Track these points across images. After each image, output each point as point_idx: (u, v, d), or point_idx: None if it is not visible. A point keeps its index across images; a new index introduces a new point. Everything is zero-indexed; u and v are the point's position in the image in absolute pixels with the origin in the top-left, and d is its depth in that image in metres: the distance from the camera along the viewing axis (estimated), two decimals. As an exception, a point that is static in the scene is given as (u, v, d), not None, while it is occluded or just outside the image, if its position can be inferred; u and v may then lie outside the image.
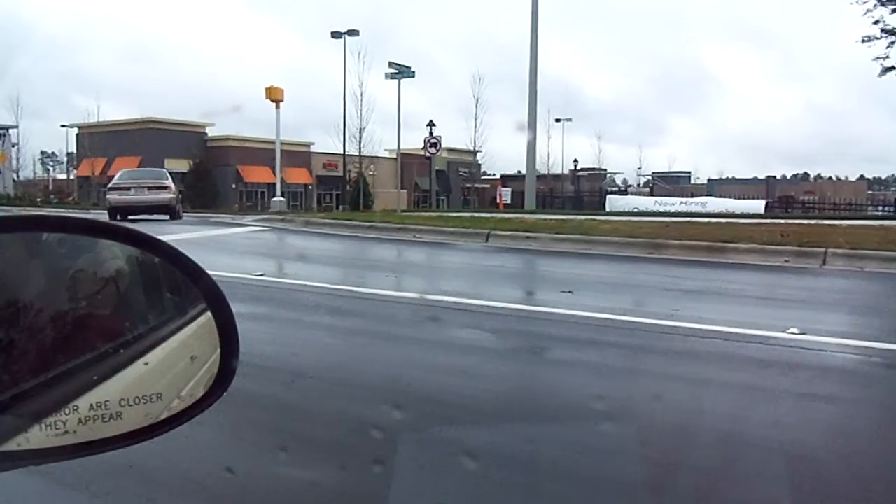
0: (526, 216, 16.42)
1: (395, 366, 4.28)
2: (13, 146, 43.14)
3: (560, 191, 47.27)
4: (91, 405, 0.76)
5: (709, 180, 63.33)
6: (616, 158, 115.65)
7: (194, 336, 0.85)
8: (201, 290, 0.84)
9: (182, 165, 41.10)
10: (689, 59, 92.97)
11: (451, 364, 4.45)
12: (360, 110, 39.71)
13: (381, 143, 43.72)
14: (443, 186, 46.29)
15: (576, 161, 53.69)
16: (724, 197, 39.25)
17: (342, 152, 38.71)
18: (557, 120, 48.32)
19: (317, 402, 3.56)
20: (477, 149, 46.14)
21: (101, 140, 40.11)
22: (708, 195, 44.36)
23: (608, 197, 39.60)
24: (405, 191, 45.97)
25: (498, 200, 39.86)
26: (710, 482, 2.61)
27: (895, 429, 3.41)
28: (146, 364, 0.82)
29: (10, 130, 42.70)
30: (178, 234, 11.95)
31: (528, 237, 11.29)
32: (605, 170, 58.08)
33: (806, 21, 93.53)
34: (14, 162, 44.13)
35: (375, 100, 46.87)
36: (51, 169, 61.50)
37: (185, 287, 0.85)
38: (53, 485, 2.58)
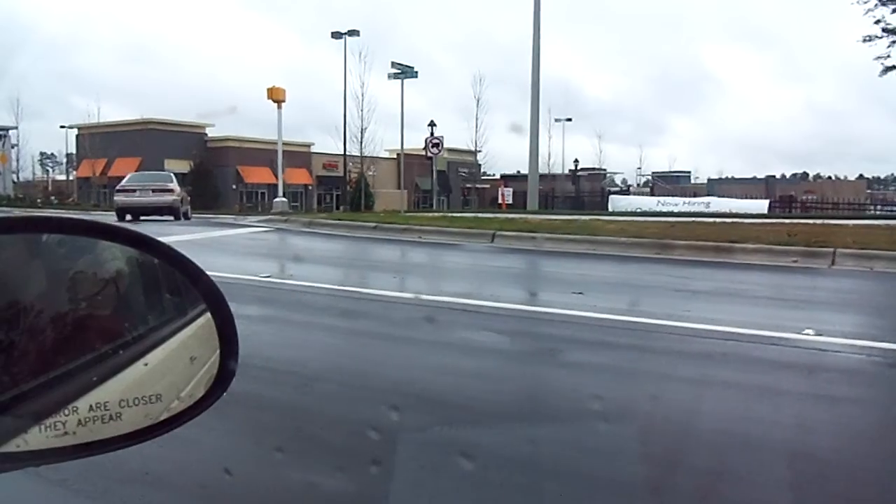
0: (529, 216, 16.38)
1: (409, 368, 4.23)
2: (13, 147, 43.10)
3: (560, 191, 47.21)
4: (91, 406, 0.76)
5: (708, 180, 63.37)
6: (616, 158, 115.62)
7: (194, 337, 0.85)
8: (201, 291, 0.84)
9: (182, 166, 41.05)
10: (688, 58, 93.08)
11: (465, 367, 4.40)
12: (362, 111, 39.67)
13: (381, 143, 43.70)
14: (443, 187, 46.22)
15: (576, 161, 53.69)
16: (725, 196, 39.24)
17: (342, 153, 38.67)
18: (557, 120, 48.30)
19: (333, 406, 3.50)
20: (478, 149, 46.15)
21: (101, 141, 40.08)
22: (708, 195, 44.35)
23: (611, 197, 39.58)
24: (405, 191, 45.98)
25: (500, 201, 39.81)
26: (737, 490, 2.56)
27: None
28: (146, 365, 0.82)
29: (10, 131, 42.66)
30: (181, 236, 11.91)
31: (533, 237, 11.23)
32: (605, 170, 58.06)
33: (805, 21, 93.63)
34: (14, 163, 44.12)
35: (375, 100, 46.82)
36: (50, 170, 61.42)
37: (184, 288, 0.85)
38: (69, 494, 2.53)
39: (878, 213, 35.55)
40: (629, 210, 27.54)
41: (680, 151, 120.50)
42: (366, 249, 12.02)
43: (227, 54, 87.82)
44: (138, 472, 2.64)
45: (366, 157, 41.00)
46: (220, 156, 42.92)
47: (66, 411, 0.74)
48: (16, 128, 44.20)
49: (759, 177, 62.54)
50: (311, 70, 76.95)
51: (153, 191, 18.59)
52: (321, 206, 45.03)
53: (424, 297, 6.53)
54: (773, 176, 64.38)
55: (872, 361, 4.38)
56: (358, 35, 35.65)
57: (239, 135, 44.74)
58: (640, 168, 61.69)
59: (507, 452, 2.84)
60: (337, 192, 46.47)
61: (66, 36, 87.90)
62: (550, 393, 3.80)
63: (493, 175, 53.38)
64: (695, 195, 42.60)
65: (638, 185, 58.42)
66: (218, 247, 11.80)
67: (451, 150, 44.82)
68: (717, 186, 55.55)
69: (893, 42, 23.73)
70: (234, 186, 43.54)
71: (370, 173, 40.86)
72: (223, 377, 0.84)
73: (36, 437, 0.72)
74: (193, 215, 21.08)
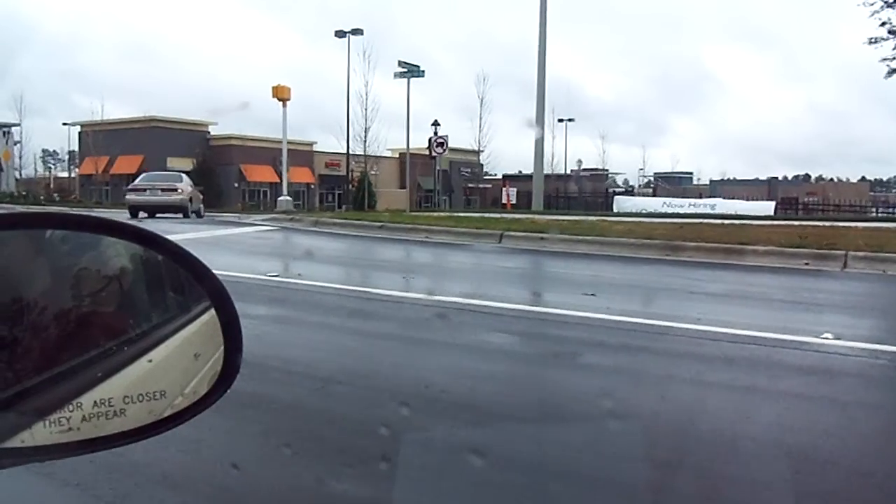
0: (535, 217, 16.33)
1: (425, 370, 4.18)
2: (16, 144, 43.09)
3: (563, 191, 47.14)
4: (95, 402, 0.76)
5: (711, 181, 63.29)
6: (617, 159, 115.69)
7: (198, 333, 0.85)
8: (205, 288, 0.84)
9: (185, 164, 40.96)
10: (689, 59, 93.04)
11: (483, 370, 4.35)
12: (366, 110, 39.59)
13: (384, 142, 43.65)
14: (444, 186, 46.17)
15: (579, 161, 53.67)
16: (728, 198, 39.15)
17: (345, 152, 38.62)
18: (560, 120, 48.20)
19: (351, 409, 3.45)
20: (481, 149, 46.13)
21: (104, 138, 40.03)
22: (710, 196, 44.31)
23: (615, 198, 39.51)
24: (406, 190, 45.91)
25: (505, 201, 39.75)
26: (773, 499, 2.50)
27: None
28: (149, 361, 0.82)
29: (13, 128, 42.65)
30: (187, 234, 11.86)
31: (541, 238, 11.18)
32: (607, 170, 58.04)
33: (806, 21, 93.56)
34: (17, 160, 44.09)
35: (379, 100, 46.71)
36: (52, 167, 61.41)
37: (188, 285, 0.85)
38: (90, 499, 2.48)
39: (885, 215, 35.48)
40: (634, 211, 27.45)
41: (682, 152, 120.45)
42: (374, 249, 11.98)
43: (228, 53, 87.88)
44: (157, 476, 2.60)
45: (369, 156, 40.94)
46: (222, 154, 42.87)
47: (71, 407, 0.74)
48: (19, 125, 44.27)
49: (760, 178, 62.48)
50: (312, 69, 76.86)
51: (162, 190, 19.62)
52: (323, 204, 44.97)
53: (436, 297, 6.48)
54: (776, 177, 64.34)
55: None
56: (362, 34, 35.62)
57: (242, 133, 44.69)
58: (642, 169, 61.69)
59: (523, 456, 2.79)
60: (339, 192, 46.43)
61: (67, 34, 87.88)
62: (570, 397, 3.75)
63: (495, 175, 53.34)
64: (700, 196, 42.56)
65: (640, 185, 58.38)
66: (225, 245, 11.76)
67: (453, 150, 44.71)
68: (720, 188, 55.49)
69: (900, 44, 23.68)
70: (236, 184, 43.49)
71: (373, 173, 40.80)
72: (227, 374, 0.84)
73: (40, 433, 0.72)
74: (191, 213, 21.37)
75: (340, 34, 35.31)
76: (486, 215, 17.09)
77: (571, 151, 78.27)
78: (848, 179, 65.23)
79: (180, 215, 19.25)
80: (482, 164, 50.81)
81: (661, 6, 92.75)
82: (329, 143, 43.26)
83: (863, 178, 67.08)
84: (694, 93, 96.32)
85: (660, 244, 10.16)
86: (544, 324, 5.56)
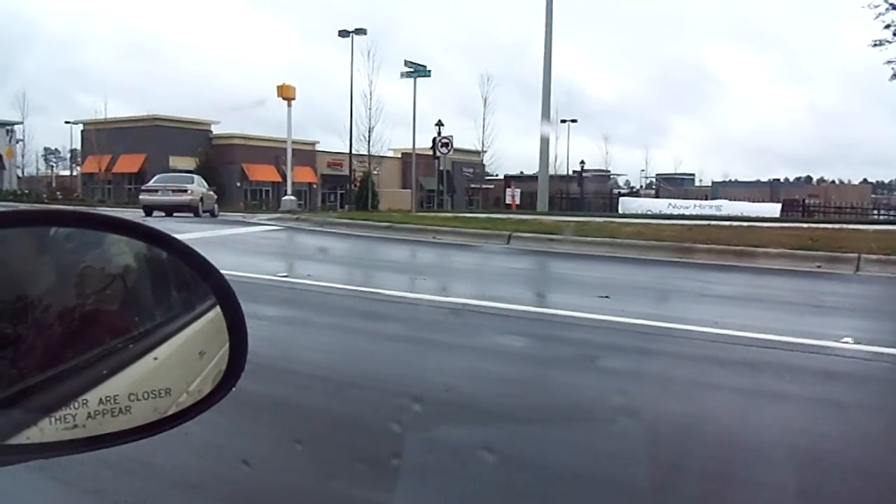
0: (542, 218, 16.28)
1: (444, 374, 4.12)
2: (18, 142, 43.06)
3: (566, 192, 47.07)
4: (100, 399, 0.76)
5: (713, 183, 63.24)
6: (619, 160, 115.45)
7: (203, 332, 0.85)
8: (211, 286, 0.84)
9: (188, 163, 40.93)
10: (691, 60, 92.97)
11: (503, 373, 4.30)
12: (370, 109, 39.51)
13: (388, 142, 43.58)
14: (447, 186, 46.12)
15: (582, 162, 53.58)
16: (730, 199, 39.11)
17: (348, 151, 38.56)
18: (563, 121, 48.17)
19: (369, 413, 3.38)
20: (485, 149, 46.07)
21: (106, 137, 39.98)
22: (713, 198, 44.26)
23: (621, 199, 39.46)
24: (409, 190, 45.86)
25: (510, 201, 39.75)
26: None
27: None
28: (155, 359, 0.82)
29: (16, 127, 42.65)
30: (193, 234, 11.84)
31: (550, 239, 11.13)
32: (609, 171, 58.00)
33: (807, 23, 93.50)
34: (19, 158, 44.04)
35: (382, 100, 46.62)
36: (53, 166, 61.37)
37: (193, 283, 0.85)
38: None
39: (891, 217, 35.40)
40: (640, 212, 27.38)
41: (683, 154, 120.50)
42: (382, 250, 11.93)
43: (229, 52, 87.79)
44: (178, 481, 2.57)
45: (373, 156, 40.88)
46: (225, 153, 42.83)
47: (76, 404, 0.74)
48: (21, 123, 44.27)
49: (762, 180, 62.43)
50: (314, 68, 76.79)
51: (173, 191, 20.98)
52: (325, 204, 44.92)
53: (449, 299, 6.44)
54: (778, 179, 64.31)
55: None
56: (365, 34, 35.55)
57: (244, 132, 44.64)
58: (643, 170, 61.64)
59: (546, 462, 2.74)
60: (341, 191, 46.37)
61: (68, 32, 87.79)
62: (593, 402, 3.68)
63: (496, 175, 53.30)
64: (707, 198, 42.50)
65: (642, 187, 58.34)
66: (232, 245, 11.72)
67: (455, 150, 44.66)
68: (722, 189, 55.41)
69: (904, 46, 23.60)
70: (238, 184, 43.44)
71: (375, 172, 40.74)
72: (232, 372, 0.84)
73: (46, 430, 0.73)
74: (204, 213, 22.39)
75: (344, 34, 35.25)
76: (493, 216, 17.05)
77: (573, 152, 78.19)
78: (849, 182, 65.16)
79: (191, 214, 20.51)
80: (484, 165, 50.74)
81: (662, 7, 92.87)
82: (331, 142, 43.24)
83: (864, 181, 67.01)
84: (695, 94, 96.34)
85: (670, 246, 10.11)
86: (560, 326, 5.51)
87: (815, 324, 5.73)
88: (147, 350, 0.82)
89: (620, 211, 32.05)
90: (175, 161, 41.45)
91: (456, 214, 18.71)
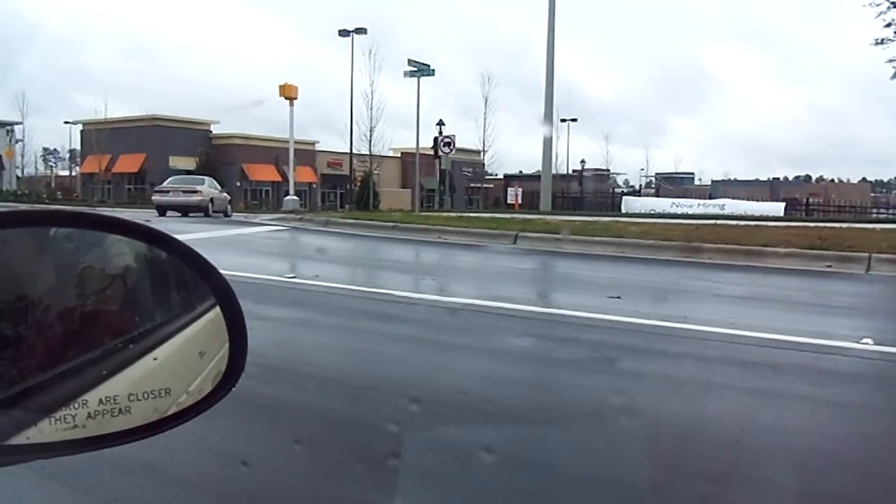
0: (546, 217, 16.22)
1: (460, 376, 4.06)
2: (17, 142, 42.97)
3: (566, 191, 47.06)
4: (100, 400, 0.76)
5: (712, 182, 63.25)
6: (618, 159, 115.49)
7: (202, 332, 0.86)
8: (211, 287, 0.84)
9: (188, 163, 40.85)
10: (689, 59, 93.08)
11: (521, 376, 4.24)
12: (371, 109, 39.42)
13: (389, 142, 43.54)
14: (447, 186, 46.11)
15: (583, 162, 53.58)
16: (730, 198, 39.05)
17: (349, 151, 38.48)
18: (563, 120, 48.13)
19: (387, 419, 3.27)
20: (486, 149, 46.03)
21: (106, 137, 39.90)
22: (711, 197, 44.23)
23: (624, 198, 39.34)
24: (409, 190, 45.81)
25: (511, 201, 39.63)
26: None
27: None
28: (155, 359, 0.82)
29: (15, 127, 42.57)
30: (197, 234, 11.78)
31: (557, 239, 11.07)
32: (609, 170, 58.00)
33: (806, 22, 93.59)
34: (19, 158, 43.95)
35: (383, 99, 46.62)
36: (53, 166, 61.28)
37: (193, 283, 0.85)
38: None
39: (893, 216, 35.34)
40: (643, 212, 27.29)
41: (683, 153, 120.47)
42: (389, 250, 11.88)
43: (228, 52, 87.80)
44: (197, 488, 2.53)
45: (374, 155, 40.81)
46: (225, 153, 42.73)
47: (76, 405, 0.74)
48: (21, 123, 44.18)
49: (761, 179, 62.46)
50: (313, 68, 76.79)
51: (183, 192, 22.18)
52: (325, 204, 44.86)
53: (460, 300, 6.37)
54: (777, 178, 64.33)
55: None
56: (365, 33, 35.46)
57: (244, 132, 44.55)
58: (643, 169, 61.66)
59: (569, 467, 2.68)
60: (341, 191, 46.31)
61: (67, 32, 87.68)
62: (618, 406, 3.60)
63: (496, 175, 53.27)
64: (710, 197, 42.44)
65: (641, 186, 58.33)
66: (236, 246, 11.65)
67: (455, 150, 44.68)
68: (721, 188, 55.38)
69: (906, 45, 23.54)
70: (238, 184, 43.33)
71: (376, 172, 40.67)
72: (232, 372, 0.84)
73: (46, 430, 0.73)
74: (215, 213, 23.21)
75: (344, 33, 35.16)
76: (497, 216, 16.99)
77: (572, 152, 78.15)
78: (848, 180, 65.21)
79: (201, 214, 21.67)
80: (484, 164, 50.71)
81: (661, 6, 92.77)
82: (330, 142, 43.14)
83: (863, 179, 67.06)
84: (694, 93, 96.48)
85: (678, 245, 10.06)
86: (573, 327, 5.44)
87: (833, 324, 5.67)
88: (147, 350, 0.82)
89: (623, 210, 31.93)
90: (175, 161, 41.34)
91: (460, 214, 18.64)
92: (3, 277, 0.75)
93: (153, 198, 23.66)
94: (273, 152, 42.77)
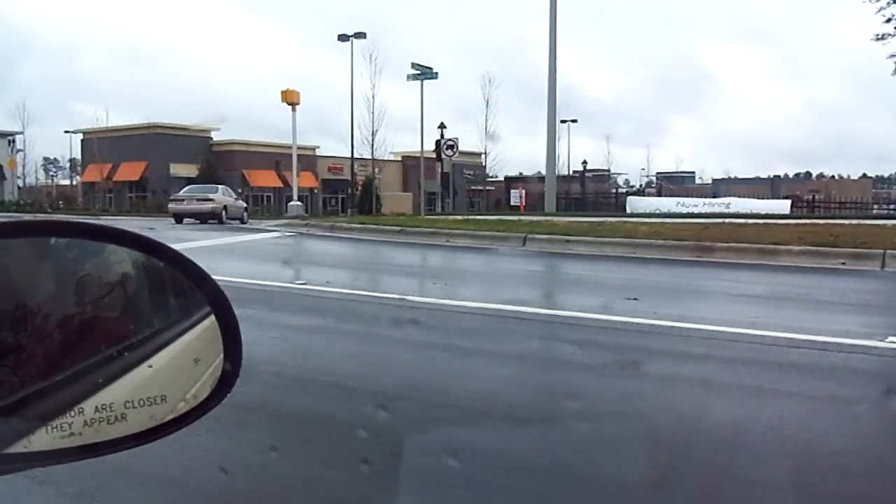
0: (553, 219, 16.16)
1: (486, 382, 4.00)
2: (18, 152, 42.97)
3: (568, 192, 47.02)
4: (96, 407, 0.77)
5: (713, 180, 63.25)
6: (618, 159, 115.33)
7: (198, 339, 0.86)
8: (205, 294, 0.85)
9: (189, 170, 40.81)
10: (688, 58, 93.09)
11: (548, 381, 4.19)
12: (373, 113, 39.42)
13: (391, 146, 43.53)
14: (451, 189, 46.08)
15: (584, 162, 53.55)
16: (731, 197, 39.01)
17: (350, 155, 38.46)
18: (563, 121, 48.06)
19: (424, 430, 3.22)
20: (487, 151, 46.03)
21: (107, 146, 39.88)
22: (713, 195, 44.21)
23: (629, 198, 39.28)
24: (410, 194, 45.78)
25: (515, 203, 39.63)
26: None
27: None
28: (150, 367, 0.83)
29: (17, 137, 42.59)
30: (203, 241, 11.75)
31: (567, 241, 11.00)
32: (609, 171, 57.98)
33: (804, 19, 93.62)
34: (20, 168, 43.96)
35: (384, 104, 46.57)
36: (53, 175, 61.30)
37: (188, 291, 0.87)
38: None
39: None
40: (648, 212, 27.21)
41: (682, 152, 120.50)
42: (397, 254, 11.83)
43: (225, 59, 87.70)
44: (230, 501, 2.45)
45: (376, 160, 40.81)
46: (226, 159, 42.67)
47: (73, 413, 0.75)
48: (22, 133, 44.22)
49: (762, 176, 62.44)
50: (311, 73, 76.69)
51: (197, 200, 23.37)
52: (326, 209, 44.83)
53: (476, 304, 6.31)
54: (778, 175, 64.31)
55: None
56: (365, 37, 35.48)
57: (244, 138, 44.52)
58: (643, 169, 61.64)
59: (603, 475, 2.63)
60: (342, 196, 46.27)
61: (64, 42, 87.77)
62: (651, 410, 3.55)
63: (496, 177, 53.28)
64: (715, 196, 42.38)
65: (641, 186, 58.31)
66: (243, 252, 11.59)
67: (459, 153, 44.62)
68: (723, 187, 55.37)
69: (907, 40, 23.53)
70: (239, 190, 43.29)
71: (378, 176, 40.67)
72: (227, 379, 0.85)
73: (43, 438, 0.73)
74: (230, 220, 24.27)
75: (343, 38, 35.18)
76: (503, 218, 16.93)
77: (573, 152, 78.03)
78: (849, 177, 65.18)
79: (215, 221, 22.79)
80: (484, 167, 50.70)
81: (658, 5, 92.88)
82: (330, 146, 43.08)
83: (864, 176, 67.00)
84: (693, 92, 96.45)
85: (690, 245, 9.99)
86: (594, 330, 5.37)
87: (855, 323, 5.61)
88: (143, 358, 0.82)
89: (628, 210, 31.81)
90: (176, 168, 41.30)
91: (466, 217, 18.58)
92: (4, 286, 0.75)
93: (169, 206, 24.61)
94: (273, 158, 42.72)
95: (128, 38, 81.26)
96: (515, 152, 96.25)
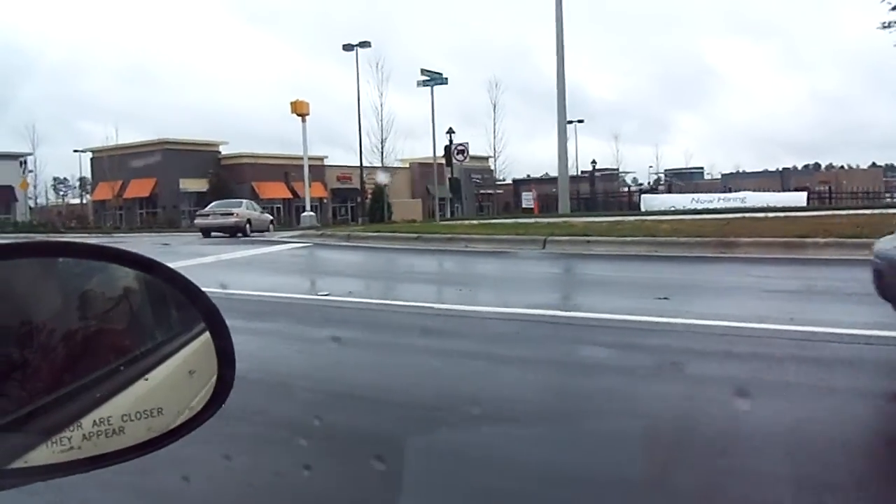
0: (570, 220, 16.05)
1: (528, 391, 3.90)
2: (29, 173, 43.24)
3: (577, 193, 46.91)
4: (94, 421, 0.78)
5: (722, 175, 62.99)
6: (626, 157, 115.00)
7: (193, 352, 0.88)
8: (199, 310, 0.88)
9: (199, 185, 40.93)
10: (690, 55, 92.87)
11: (591, 387, 4.08)
12: (381, 121, 39.45)
13: (400, 153, 43.53)
14: (461, 194, 46.04)
15: (594, 162, 53.45)
16: (740, 191, 38.78)
17: (359, 164, 38.46)
18: (570, 122, 47.96)
19: (477, 446, 3.09)
20: (497, 155, 45.98)
21: (118, 164, 40.08)
22: (724, 190, 43.98)
23: (643, 196, 39.07)
24: (419, 200, 45.75)
25: (528, 205, 39.50)
26: None
27: None
28: (146, 380, 0.84)
29: (28, 157, 42.91)
30: (220, 255, 11.69)
31: (588, 241, 10.90)
32: (618, 169, 57.83)
33: (804, 10, 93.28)
34: (31, 189, 44.22)
35: (392, 111, 46.64)
36: (63, 195, 61.62)
37: (183, 306, 0.89)
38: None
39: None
40: (663, 209, 27.03)
41: (690, 148, 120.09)
42: (417, 261, 11.74)
43: (230, 74, 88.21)
44: None
45: (387, 167, 40.81)
46: (235, 173, 42.77)
47: (72, 427, 0.76)
48: (32, 154, 44.53)
49: (770, 169, 62.11)
50: (316, 83, 76.96)
51: (221, 215, 24.93)
52: (336, 218, 44.87)
53: (503, 310, 6.20)
54: (787, 168, 63.98)
55: None
56: (369, 46, 35.51)
57: (252, 151, 44.63)
58: (652, 166, 61.47)
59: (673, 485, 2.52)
60: (352, 204, 46.29)
61: (70, 62, 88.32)
62: (704, 414, 3.44)
63: (504, 180, 53.21)
64: (730, 190, 42.14)
65: (651, 183, 58.12)
66: (261, 265, 11.52)
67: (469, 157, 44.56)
68: (732, 181, 55.10)
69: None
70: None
71: (385, 183, 40.67)
72: (221, 390, 0.87)
73: (43, 453, 0.74)
74: (254, 233, 25.49)
75: (348, 48, 35.21)
76: (519, 221, 16.84)
77: (580, 152, 77.86)
78: (858, 166, 64.74)
79: (239, 234, 24.09)
80: (493, 170, 50.65)
81: (657, 4, 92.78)
82: (337, 156, 43.09)
83: (873, 164, 66.48)
84: (697, 88, 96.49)
85: (713, 241, 9.88)
86: (629, 332, 5.26)
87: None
88: (141, 372, 0.84)
89: (643, 208, 31.62)
90: (186, 183, 41.42)
91: (481, 221, 18.49)
92: (12, 303, 0.76)
93: (196, 221, 26.74)
94: (282, 169, 42.81)
95: (133, 56, 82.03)
96: (524, 154, 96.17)
